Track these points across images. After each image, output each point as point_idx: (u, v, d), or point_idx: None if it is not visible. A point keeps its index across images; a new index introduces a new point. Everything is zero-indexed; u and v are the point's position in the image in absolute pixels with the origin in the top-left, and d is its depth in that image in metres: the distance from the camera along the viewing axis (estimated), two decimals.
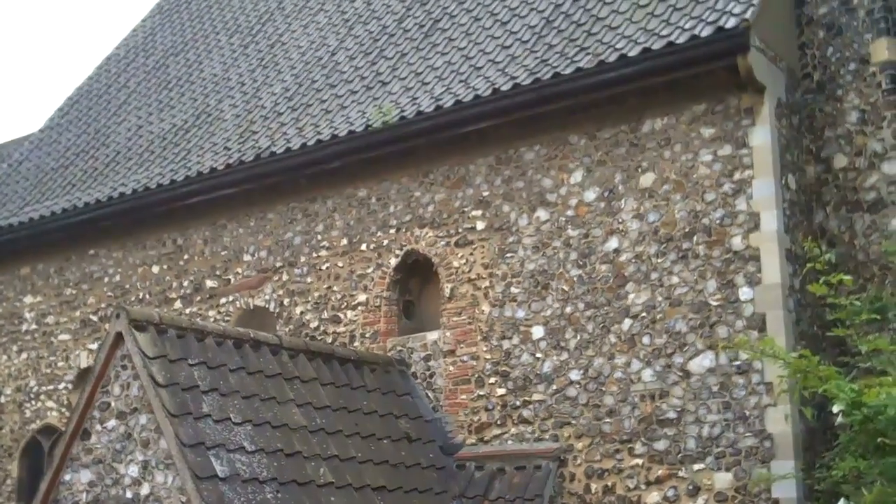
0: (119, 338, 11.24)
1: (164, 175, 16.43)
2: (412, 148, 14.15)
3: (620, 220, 12.62)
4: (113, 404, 11.20)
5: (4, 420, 17.76)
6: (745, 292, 11.73)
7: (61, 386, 17.13)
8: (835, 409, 8.98)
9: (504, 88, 13.21)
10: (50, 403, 17.24)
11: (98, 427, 11.26)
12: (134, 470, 10.92)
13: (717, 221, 12.02)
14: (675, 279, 12.15)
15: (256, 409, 11.50)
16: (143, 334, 11.20)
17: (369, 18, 17.44)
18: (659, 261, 12.27)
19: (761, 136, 11.98)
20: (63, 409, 16.84)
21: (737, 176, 12.00)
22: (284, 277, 15.09)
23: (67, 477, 11.40)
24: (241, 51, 19.30)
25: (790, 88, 12.74)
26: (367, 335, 14.17)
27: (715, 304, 11.87)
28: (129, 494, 10.89)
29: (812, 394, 9.63)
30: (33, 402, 17.44)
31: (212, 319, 15.27)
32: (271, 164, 15.15)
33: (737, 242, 11.88)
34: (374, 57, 16.20)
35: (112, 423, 11.16)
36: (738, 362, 11.38)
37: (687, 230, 12.18)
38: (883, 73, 12.37)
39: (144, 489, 10.80)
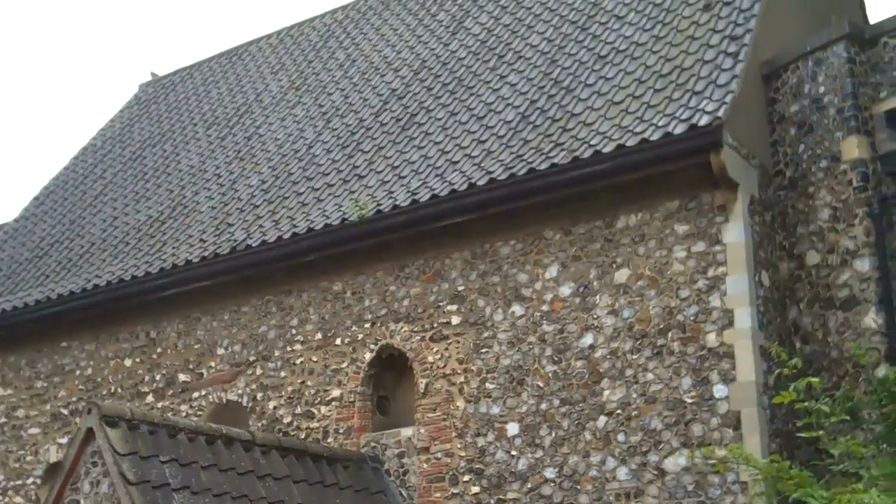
0: (90, 433, 11.13)
1: (139, 267, 16.36)
2: (388, 242, 14.15)
3: (595, 316, 12.61)
4: (82, 502, 11.03)
5: None
6: (719, 389, 11.70)
7: (30, 481, 16.86)
8: None
9: (480, 183, 13.28)
10: (18, 499, 16.94)
11: None
12: None
13: (692, 318, 12.03)
14: (649, 376, 12.12)
15: None
16: (114, 430, 11.09)
17: (346, 112, 17.58)
18: (634, 357, 12.25)
19: (735, 233, 12.04)
20: None
21: (711, 272, 12.04)
22: (258, 371, 14.97)
23: None
24: (218, 142, 19.39)
25: (763, 185, 12.84)
26: (341, 431, 14.04)
27: (690, 401, 11.83)
28: None
29: (786, 497, 9.57)
30: (1, 497, 17.14)
31: (184, 414, 15.12)
32: (246, 256, 15.12)
33: (711, 339, 11.88)
34: (350, 150, 16.29)
35: None
36: (712, 461, 11.30)
37: (661, 326, 12.17)
38: (854, 171, 12.46)
39: None
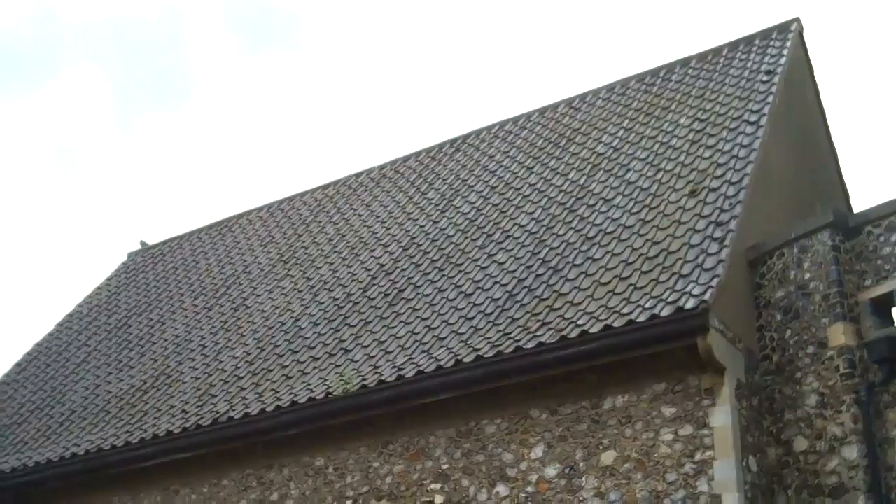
0: None
1: (119, 436, 16.17)
2: (372, 417, 14.04)
3: (581, 498, 12.44)
4: None
5: None
6: None
7: None
8: None
9: (466, 360, 13.25)
10: None
11: None
12: None
13: (679, 502, 11.87)
14: None
15: None
16: None
17: (334, 286, 17.65)
18: None
19: (722, 417, 11.99)
20: None
21: (698, 456, 11.94)
22: None
23: None
24: (204, 313, 19.39)
25: (749, 369, 12.85)
26: None
27: None
28: None
29: None
30: None
31: None
32: (228, 429, 14.97)
33: None
34: (337, 324, 16.30)
35: None
36: None
37: None
38: (840, 357, 12.49)
39: None
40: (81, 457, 16.21)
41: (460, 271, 15.84)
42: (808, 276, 13.12)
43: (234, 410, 15.11)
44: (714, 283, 12.23)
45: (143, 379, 18.07)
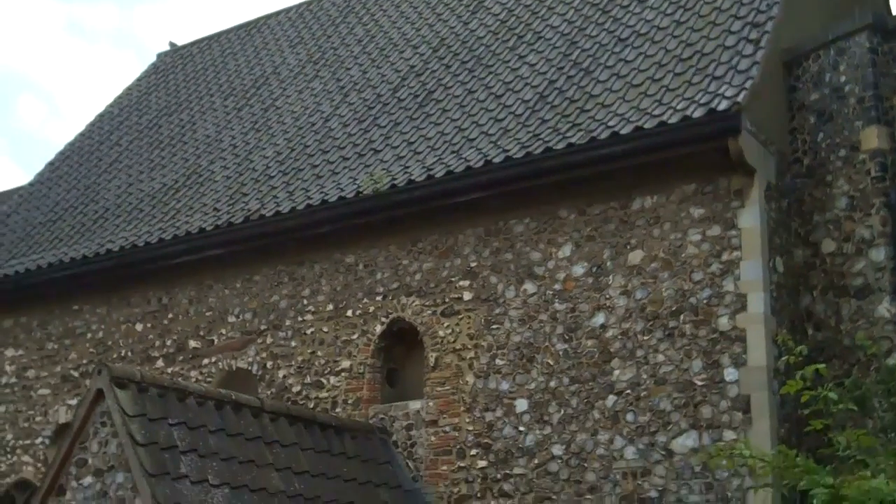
0: (99, 394, 11.15)
1: (152, 234, 16.41)
2: (402, 216, 14.17)
3: (608, 296, 12.63)
4: (90, 461, 11.09)
5: None
6: (730, 373, 11.72)
7: (38, 441, 16.95)
8: (814, 501, 8.90)
9: (496, 161, 13.28)
10: (26, 458, 17.04)
11: (74, 483, 11.14)
12: None
13: (705, 301, 12.04)
14: (660, 357, 12.14)
15: (235, 471, 11.39)
16: (124, 392, 11.11)
17: (364, 87, 17.58)
18: (645, 338, 12.27)
19: (750, 218, 12.04)
20: (39, 465, 16.64)
21: (725, 257, 12.05)
22: (269, 340, 15.02)
23: None
24: (234, 113, 19.40)
25: (780, 172, 12.83)
26: (350, 402, 14.09)
27: (700, 383, 11.85)
28: None
29: (793, 485, 9.54)
30: (9, 456, 17.23)
31: (193, 380, 15.16)
32: (260, 226, 15.15)
33: (723, 323, 11.89)
34: (367, 125, 16.30)
35: (88, 479, 11.04)
36: (721, 443, 11.31)
37: (674, 309, 12.19)
38: (872, 161, 12.45)
39: None
40: (116, 253, 16.49)
41: (491, 72, 15.73)
42: (843, 78, 12.97)
43: (265, 209, 15.27)
44: (748, 84, 12.12)
45: (174, 178, 18.22)
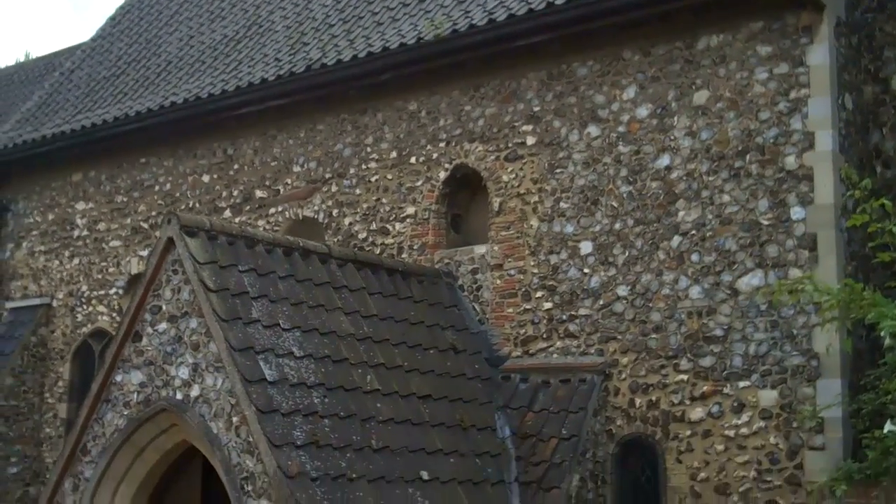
0: (170, 242, 11.32)
1: (215, 85, 16.44)
2: (463, 61, 14.06)
3: (672, 138, 12.52)
4: (164, 308, 11.33)
5: (56, 324, 18.05)
6: (796, 212, 11.65)
7: (112, 291, 17.36)
8: (882, 332, 8.92)
9: (558, 2, 13.05)
10: (101, 308, 17.47)
11: (149, 330, 11.41)
12: (184, 372, 11.07)
13: (771, 140, 11.90)
14: (726, 197, 12.07)
15: (305, 315, 11.60)
16: (193, 240, 11.28)
17: None
18: (710, 179, 12.19)
19: (819, 55, 11.79)
20: (114, 314, 17.08)
21: (792, 95, 11.85)
22: (333, 189, 15.13)
23: (119, 378, 11.58)
24: None
25: (850, 6, 12.50)
26: (415, 248, 14.22)
27: (766, 223, 11.79)
28: (178, 396, 11.06)
29: (860, 319, 9.55)
30: (84, 307, 17.68)
31: (261, 229, 15.31)
32: (322, 75, 15.10)
33: (790, 162, 11.77)
34: None
35: (163, 326, 11.30)
36: (787, 281, 11.31)
37: (740, 148, 12.07)
38: None
39: (194, 391, 10.96)
40: (180, 105, 16.56)
41: None
42: None
43: (326, 57, 15.20)
44: None
45: (235, 29, 18.15)
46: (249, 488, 10.32)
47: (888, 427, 8.99)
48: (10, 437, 17.40)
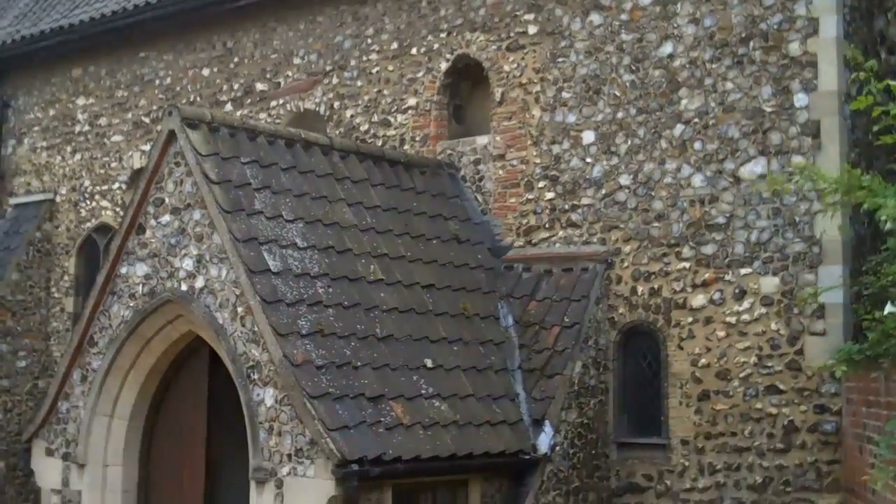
0: (172, 135, 11.33)
1: None
2: None
3: (675, 25, 12.41)
4: (167, 200, 11.37)
5: (60, 219, 18.09)
6: (800, 98, 11.59)
7: (115, 186, 17.36)
8: (882, 217, 8.90)
9: None
10: (104, 203, 17.50)
11: (153, 222, 11.46)
12: (188, 263, 11.15)
13: (775, 26, 11.80)
14: (729, 85, 12.01)
15: (308, 207, 11.63)
16: (195, 132, 11.27)
17: None
18: (713, 66, 12.11)
19: None
20: (117, 209, 17.10)
21: None
22: (335, 81, 15.04)
23: (124, 270, 11.67)
24: None
25: None
26: (417, 139, 14.19)
27: (769, 110, 11.74)
28: (183, 287, 11.15)
29: (860, 204, 9.53)
30: (88, 202, 17.70)
31: (263, 122, 15.28)
32: None
33: (794, 48, 11.67)
34: None
35: (166, 218, 11.35)
36: (789, 168, 11.30)
37: (743, 35, 11.97)
38: None
39: (199, 282, 11.04)
40: None
41: None
42: None
43: None
44: None
45: None
46: (256, 377, 10.46)
47: (888, 308, 9.01)
48: (17, 332, 17.55)
